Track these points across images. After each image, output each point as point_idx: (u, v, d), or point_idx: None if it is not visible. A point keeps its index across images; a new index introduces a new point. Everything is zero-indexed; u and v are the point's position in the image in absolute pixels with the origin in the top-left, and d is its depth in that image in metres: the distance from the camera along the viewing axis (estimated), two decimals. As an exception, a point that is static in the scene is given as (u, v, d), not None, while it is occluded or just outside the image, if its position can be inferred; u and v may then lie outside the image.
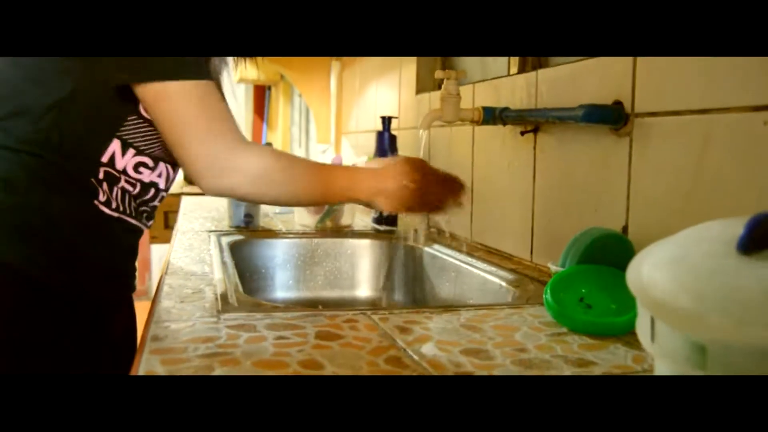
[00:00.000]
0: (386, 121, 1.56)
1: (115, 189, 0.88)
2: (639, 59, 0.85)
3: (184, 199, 2.06)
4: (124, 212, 0.90)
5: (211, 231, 1.41)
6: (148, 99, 0.82)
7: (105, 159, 0.86)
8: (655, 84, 0.82)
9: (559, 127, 1.03)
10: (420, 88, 1.71)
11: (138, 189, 0.91)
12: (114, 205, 0.89)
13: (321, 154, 2.89)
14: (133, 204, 0.92)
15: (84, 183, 0.86)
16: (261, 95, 4.61)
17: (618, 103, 0.88)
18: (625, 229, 0.88)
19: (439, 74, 1.11)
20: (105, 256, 0.91)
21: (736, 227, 0.49)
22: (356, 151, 2.38)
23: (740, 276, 0.45)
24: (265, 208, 1.69)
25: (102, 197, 0.87)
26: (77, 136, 0.84)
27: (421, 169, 0.94)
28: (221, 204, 1.86)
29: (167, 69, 0.81)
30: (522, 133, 1.11)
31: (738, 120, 0.71)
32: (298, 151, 3.49)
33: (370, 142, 1.70)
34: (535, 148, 1.10)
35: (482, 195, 1.30)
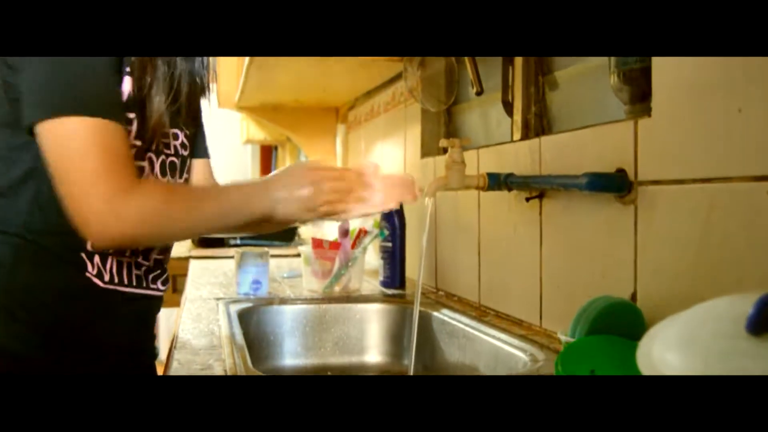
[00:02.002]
0: (392, 185, 1.58)
1: (109, 259, 0.87)
2: (640, 127, 0.87)
3: (192, 263, 2.07)
4: (120, 283, 0.89)
5: (219, 299, 1.41)
6: (44, 139, 0.77)
7: None
8: (658, 152, 0.84)
9: (563, 193, 1.04)
10: (425, 152, 1.73)
11: (130, 251, 0.89)
12: (107, 277, 0.87)
13: (328, 214, 2.91)
14: (134, 272, 0.90)
15: (71, 257, 0.85)
16: (268, 155, 4.67)
17: (621, 171, 0.89)
18: (633, 296, 0.88)
19: (443, 142, 1.13)
20: (106, 331, 0.89)
21: (744, 305, 0.49)
22: (363, 211, 2.39)
23: (750, 358, 0.45)
24: (272, 274, 1.69)
25: (92, 270, 0.86)
26: (56, 210, 0.80)
27: (313, 169, 0.89)
28: (229, 268, 1.86)
29: (64, 105, 0.77)
30: (527, 199, 1.12)
31: (741, 189, 0.72)
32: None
33: (377, 205, 1.71)
34: (540, 213, 1.11)
35: (490, 259, 1.31)
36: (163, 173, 0.94)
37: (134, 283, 0.91)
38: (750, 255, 0.71)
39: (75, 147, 0.77)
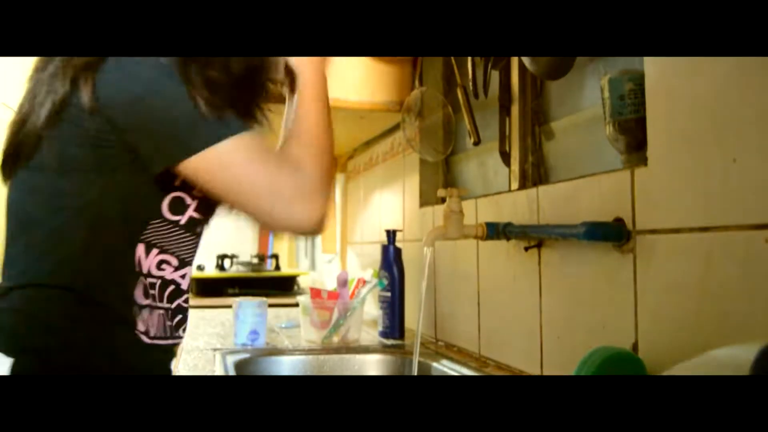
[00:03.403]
0: (391, 234, 1.59)
1: (147, 311, 0.86)
2: (637, 177, 0.87)
3: (190, 313, 2.05)
4: (158, 336, 0.88)
5: (216, 349, 1.39)
6: (199, 172, 0.79)
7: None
8: (655, 201, 0.84)
9: (562, 242, 1.04)
10: (423, 201, 1.74)
11: (166, 299, 0.89)
12: (153, 332, 0.87)
13: (327, 263, 2.91)
14: (167, 323, 0.89)
15: (123, 311, 0.84)
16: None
17: (619, 220, 0.89)
18: (635, 346, 0.87)
19: (441, 192, 1.14)
20: None
21: (746, 354, 0.49)
22: (361, 260, 2.39)
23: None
24: (270, 324, 1.68)
25: (141, 326, 0.85)
26: (103, 257, 0.81)
27: None
28: (227, 318, 1.85)
29: (210, 135, 0.78)
30: (526, 249, 1.12)
31: (739, 238, 0.72)
32: (304, 262, 3.50)
33: (376, 253, 1.71)
34: (539, 262, 1.11)
35: (489, 308, 1.30)
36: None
37: (167, 334, 0.90)
38: (750, 303, 0.70)
39: (238, 168, 0.79)
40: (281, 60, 0.93)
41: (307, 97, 0.90)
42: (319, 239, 3.14)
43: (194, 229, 0.91)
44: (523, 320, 1.16)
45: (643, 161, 0.86)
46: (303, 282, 3.02)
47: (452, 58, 1.51)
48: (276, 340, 1.54)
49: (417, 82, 1.62)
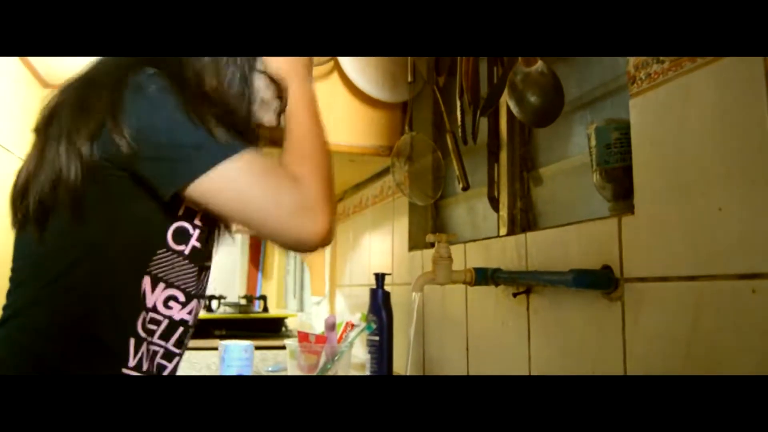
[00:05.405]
0: (380, 278, 1.58)
1: (144, 345, 0.86)
2: (624, 225, 0.88)
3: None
4: (149, 372, 0.87)
5: (201, 394, 1.37)
6: (206, 192, 0.80)
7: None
8: (643, 249, 0.84)
9: (551, 289, 1.04)
10: (413, 245, 1.74)
11: (160, 336, 0.88)
12: (145, 367, 0.86)
13: (315, 305, 2.88)
14: (158, 360, 0.89)
15: (119, 346, 0.83)
16: (257, 245, 4.67)
17: (607, 268, 0.90)
18: (624, 395, 0.86)
19: (430, 237, 1.14)
20: None
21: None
22: (350, 302, 2.38)
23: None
24: (257, 367, 1.65)
25: (132, 362, 0.84)
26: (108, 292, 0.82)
27: None
28: (213, 362, 1.82)
29: (213, 155, 0.79)
30: (514, 295, 1.11)
31: (727, 288, 0.72)
32: (293, 303, 3.48)
33: (364, 295, 1.70)
34: (528, 309, 1.10)
35: (478, 354, 1.29)
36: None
37: (157, 372, 0.89)
38: (739, 353, 0.70)
39: (243, 185, 0.80)
40: (271, 77, 0.94)
41: (297, 110, 0.91)
42: (308, 281, 3.13)
43: (198, 260, 0.90)
44: (512, 366, 1.15)
45: (630, 209, 0.87)
46: (291, 324, 2.99)
47: (441, 104, 1.52)
48: (262, 384, 1.51)
49: (407, 127, 1.63)
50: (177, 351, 0.91)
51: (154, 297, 0.86)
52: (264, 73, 0.93)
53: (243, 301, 3.02)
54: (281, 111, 0.93)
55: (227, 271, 4.41)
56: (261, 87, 0.94)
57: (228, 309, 2.93)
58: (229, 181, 0.79)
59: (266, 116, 0.95)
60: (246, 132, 0.90)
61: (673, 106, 0.80)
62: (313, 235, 0.81)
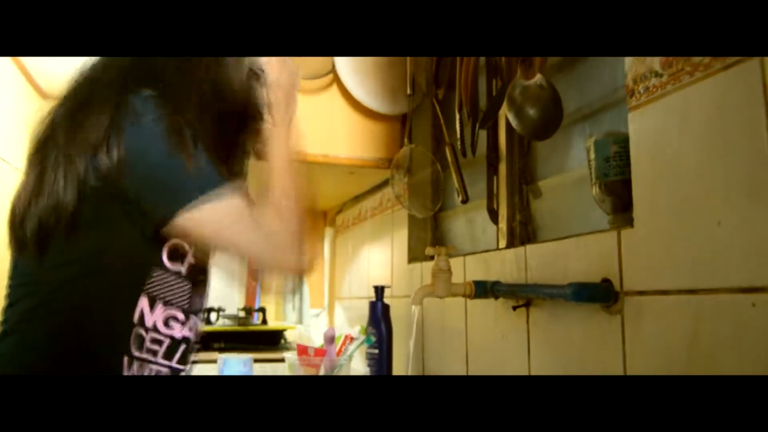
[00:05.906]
0: (379, 290, 1.58)
1: (145, 369, 0.86)
2: (623, 238, 0.88)
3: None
4: None
5: None
6: (191, 226, 0.81)
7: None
8: (642, 262, 0.84)
9: (550, 302, 1.04)
10: (412, 257, 1.74)
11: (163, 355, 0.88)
12: None
13: (314, 317, 2.88)
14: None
15: (114, 361, 0.83)
16: (255, 257, 4.66)
17: (606, 281, 0.89)
18: (624, 409, 0.86)
19: (429, 250, 1.14)
20: None
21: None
22: (349, 315, 2.37)
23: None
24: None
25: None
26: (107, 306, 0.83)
27: None
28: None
29: (198, 187, 0.80)
30: (514, 308, 1.11)
31: (726, 301, 0.72)
32: (292, 315, 3.47)
33: (364, 308, 1.70)
34: (528, 321, 1.10)
35: (478, 367, 1.28)
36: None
37: None
38: (738, 366, 0.70)
39: (230, 224, 0.82)
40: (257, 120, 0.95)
41: (276, 154, 0.93)
42: (307, 293, 3.12)
43: (195, 277, 0.91)
44: (512, 380, 1.14)
45: (630, 222, 0.87)
46: (290, 336, 2.98)
47: (440, 117, 1.53)
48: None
49: (406, 140, 1.64)
50: (181, 368, 0.91)
51: (154, 317, 0.86)
52: (257, 104, 0.95)
53: (242, 314, 3.01)
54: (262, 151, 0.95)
55: (226, 284, 4.40)
56: (255, 115, 0.96)
57: (227, 321, 2.91)
58: (211, 216, 0.81)
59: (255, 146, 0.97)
60: (231, 165, 0.92)
61: (671, 120, 0.80)
62: (293, 270, 0.87)
